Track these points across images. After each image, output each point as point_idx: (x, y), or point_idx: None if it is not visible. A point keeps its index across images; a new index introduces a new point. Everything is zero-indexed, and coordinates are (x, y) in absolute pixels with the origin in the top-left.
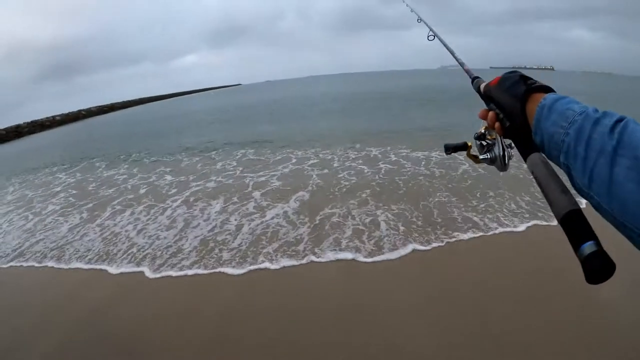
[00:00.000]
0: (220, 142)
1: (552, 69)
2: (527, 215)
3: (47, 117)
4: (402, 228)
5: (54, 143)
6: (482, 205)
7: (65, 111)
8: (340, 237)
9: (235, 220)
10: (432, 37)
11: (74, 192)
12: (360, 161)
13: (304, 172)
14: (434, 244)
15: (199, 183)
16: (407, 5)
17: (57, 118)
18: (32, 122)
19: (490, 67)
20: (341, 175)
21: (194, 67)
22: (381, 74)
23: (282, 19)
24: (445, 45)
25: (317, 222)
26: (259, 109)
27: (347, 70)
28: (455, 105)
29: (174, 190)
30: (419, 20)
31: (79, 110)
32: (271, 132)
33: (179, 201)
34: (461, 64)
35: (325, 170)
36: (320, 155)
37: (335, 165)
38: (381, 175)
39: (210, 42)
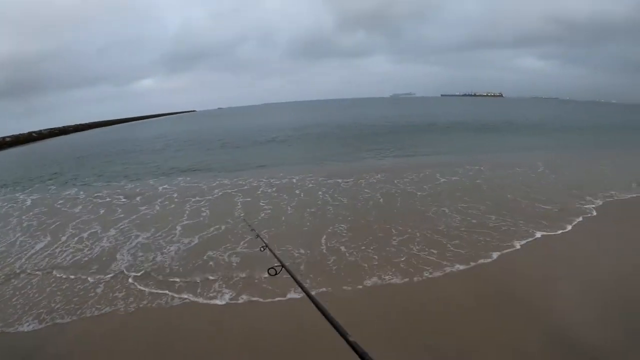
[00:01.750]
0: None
1: (501, 96)
2: None
3: None
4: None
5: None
6: None
7: (16, 132)
8: None
9: None
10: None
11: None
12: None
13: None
14: None
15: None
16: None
17: (7, 139)
18: None
19: (442, 95)
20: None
21: (151, 91)
22: (336, 101)
23: (241, 45)
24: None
25: None
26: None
27: (303, 97)
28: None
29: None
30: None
31: (30, 132)
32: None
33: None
34: None
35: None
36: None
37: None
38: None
39: (169, 66)
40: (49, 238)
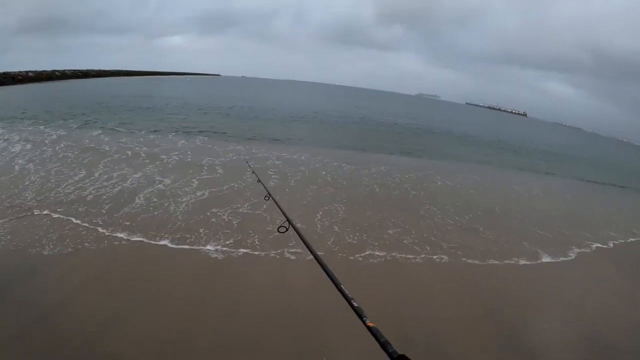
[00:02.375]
0: None
1: (525, 115)
2: None
3: (20, 72)
4: None
5: (27, 98)
6: None
7: (40, 69)
8: None
9: None
10: (267, 198)
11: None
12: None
13: None
14: None
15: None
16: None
17: (30, 74)
18: (3, 73)
19: (467, 103)
20: None
21: (179, 49)
22: (360, 90)
23: (275, 18)
24: (298, 233)
25: None
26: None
27: (328, 81)
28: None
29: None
30: (258, 181)
31: (54, 71)
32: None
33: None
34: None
35: None
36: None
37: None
38: None
39: (200, 26)
40: (84, 172)
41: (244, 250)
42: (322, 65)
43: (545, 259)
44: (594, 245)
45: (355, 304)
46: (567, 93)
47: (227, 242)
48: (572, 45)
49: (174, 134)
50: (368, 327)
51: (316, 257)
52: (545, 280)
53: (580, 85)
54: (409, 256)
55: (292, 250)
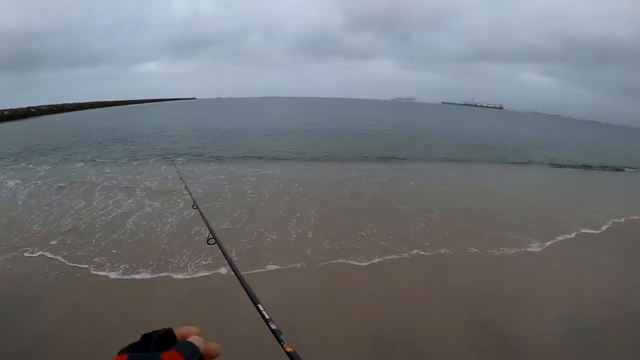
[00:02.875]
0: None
1: (501, 108)
2: None
3: None
4: None
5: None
6: None
7: (15, 106)
8: None
9: None
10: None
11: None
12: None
13: None
14: None
15: None
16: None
17: (5, 113)
18: None
19: (442, 102)
20: None
21: (153, 75)
22: (336, 100)
23: (246, 37)
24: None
25: None
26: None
27: (305, 94)
28: None
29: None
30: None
31: (29, 108)
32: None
33: None
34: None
35: None
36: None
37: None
38: None
39: (172, 52)
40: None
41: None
42: (297, 80)
43: (520, 248)
44: (575, 232)
45: (273, 326)
46: (542, 82)
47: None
48: (543, 35)
49: (154, 159)
50: (287, 352)
51: (236, 273)
52: (522, 267)
53: (554, 73)
54: (392, 257)
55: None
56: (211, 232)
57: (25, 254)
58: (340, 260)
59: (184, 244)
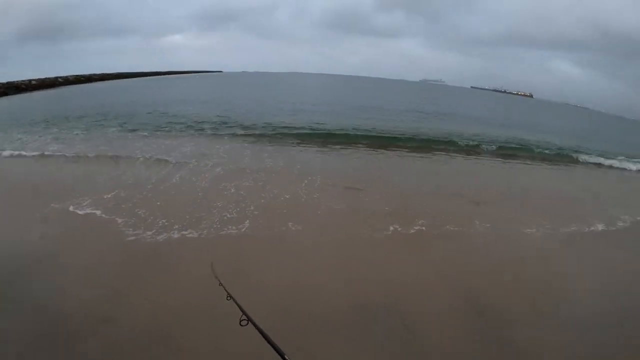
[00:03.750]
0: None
1: (531, 96)
2: None
3: (23, 80)
4: None
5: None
6: None
7: (43, 76)
8: None
9: None
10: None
11: None
12: None
13: None
14: None
15: None
16: None
17: (34, 82)
18: (6, 83)
19: (472, 87)
20: None
21: (180, 47)
22: (364, 79)
23: (275, 10)
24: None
25: None
26: None
27: (331, 71)
28: None
29: None
30: (228, 298)
31: (56, 77)
32: None
33: None
34: None
35: None
36: None
37: None
38: None
39: (200, 24)
40: None
41: None
42: (325, 56)
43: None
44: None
45: None
46: (574, 73)
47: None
48: (577, 24)
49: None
50: None
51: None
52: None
53: (587, 64)
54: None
55: None
56: (244, 314)
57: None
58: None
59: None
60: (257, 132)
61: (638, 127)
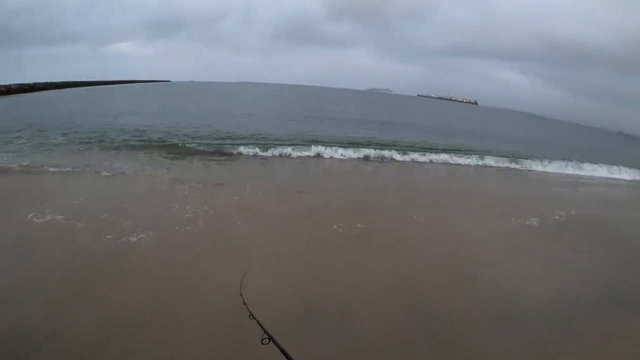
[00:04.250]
0: None
1: (476, 103)
2: None
3: None
4: None
5: None
6: None
7: None
8: None
9: None
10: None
11: None
12: None
13: None
14: None
15: None
16: None
17: None
18: None
19: (418, 95)
20: None
21: (127, 56)
22: (315, 88)
23: (224, 18)
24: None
25: None
26: None
27: (280, 80)
28: None
29: None
30: (251, 317)
31: None
32: None
33: None
34: None
35: None
36: None
37: None
38: None
39: (148, 31)
40: None
41: None
42: (274, 66)
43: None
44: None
45: None
46: (518, 80)
47: None
48: (522, 35)
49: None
50: None
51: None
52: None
53: (532, 73)
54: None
55: None
56: (266, 332)
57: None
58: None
59: None
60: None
61: (578, 131)
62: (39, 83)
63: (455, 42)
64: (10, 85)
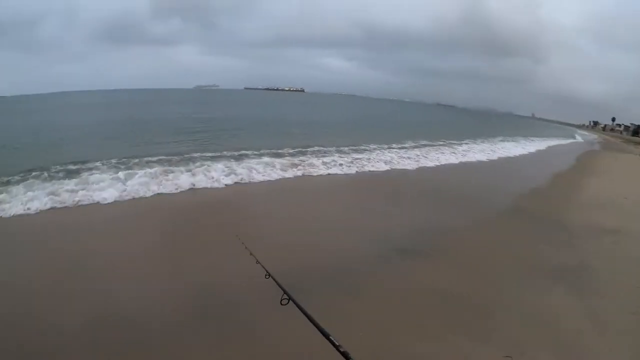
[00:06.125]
0: None
1: (303, 91)
2: None
3: None
4: None
5: None
6: None
7: None
8: None
9: None
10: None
11: None
12: None
13: None
14: None
15: None
16: None
17: None
18: None
19: (245, 88)
20: None
21: None
22: (138, 92)
23: (42, 22)
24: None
25: None
26: None
27: (104, 86)
28: None
29: None
30: (267, 276)
31: None
32: None
33: None
34: None
35: None
36: None
37: None
38: None
39: None
40: None
41: None
42: (98, 70)
43: None
44: None
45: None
46: (342, 66)
47: None
48: (344, 24)
49: None
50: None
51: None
52: None
53: (355, 58)
54: None
55: None
56: (285, 292)
57: None
58: None
59: None
60: None
61: (395, 106)
62: None
63: (279, 33)
64: None
